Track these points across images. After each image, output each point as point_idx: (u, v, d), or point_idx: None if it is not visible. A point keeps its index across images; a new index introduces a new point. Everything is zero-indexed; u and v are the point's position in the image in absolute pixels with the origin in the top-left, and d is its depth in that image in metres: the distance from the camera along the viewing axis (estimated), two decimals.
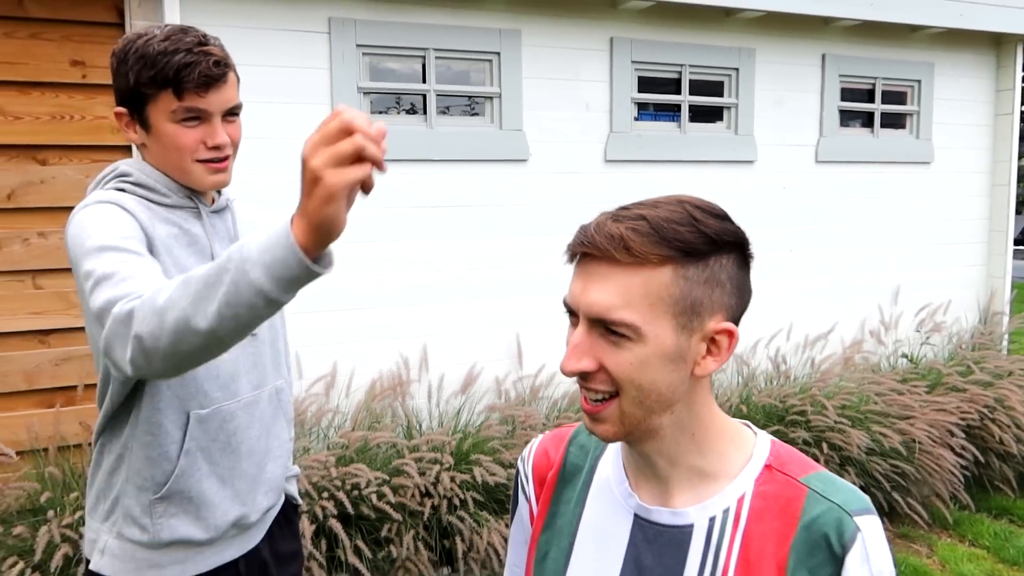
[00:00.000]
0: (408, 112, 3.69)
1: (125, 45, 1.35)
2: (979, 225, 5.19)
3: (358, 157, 0.91)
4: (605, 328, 0.85)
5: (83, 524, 2.62)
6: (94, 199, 1.35)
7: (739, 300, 0.90)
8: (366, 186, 0.94)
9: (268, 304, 1.00)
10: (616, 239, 0.83)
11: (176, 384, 1.36)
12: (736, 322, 0.89)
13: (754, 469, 0.91)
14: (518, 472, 1.09)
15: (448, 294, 3.70)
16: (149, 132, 1.37)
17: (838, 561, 0.85)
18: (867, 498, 0.91)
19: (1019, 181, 8.06)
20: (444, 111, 3.70)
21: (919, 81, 4.83)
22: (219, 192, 1.50)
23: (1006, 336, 5.10)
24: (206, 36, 1.36)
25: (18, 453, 2.92)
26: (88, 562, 1.45)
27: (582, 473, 1.01)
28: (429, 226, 3.66)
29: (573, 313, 0.88)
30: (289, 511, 1.66)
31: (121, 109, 1.39)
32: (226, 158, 1.40)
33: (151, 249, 1.33)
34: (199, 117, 1.36)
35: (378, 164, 0.93)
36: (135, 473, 1.39)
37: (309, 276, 0.98)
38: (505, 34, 3.68)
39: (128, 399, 1.38)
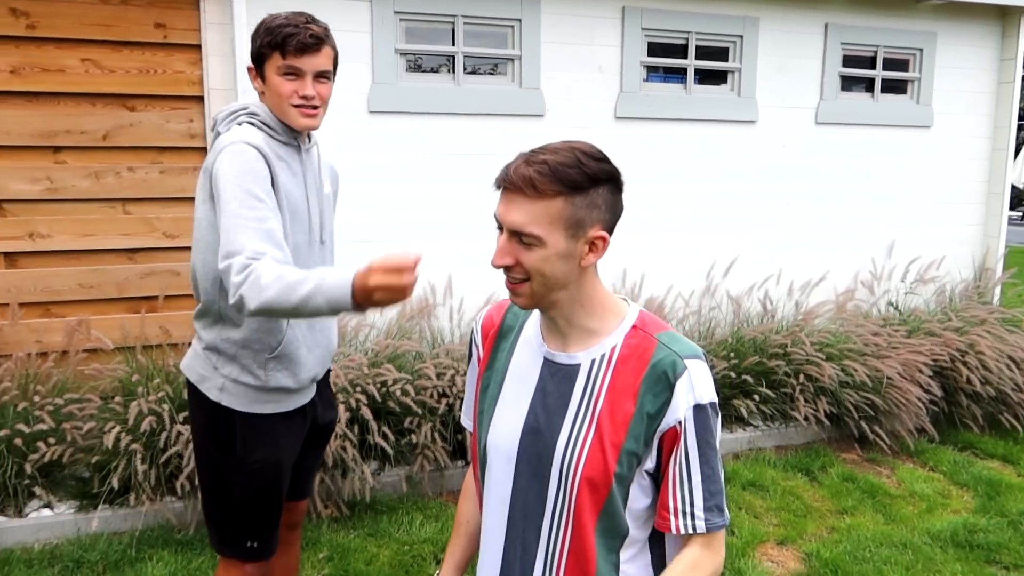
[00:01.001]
0: (438, 71, 4.20)
1: (261, 21, 1.87)
2: (978, 187, 5.50)
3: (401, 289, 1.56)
4: (520, 237, 1.27)
5: (165, 402, 3.26)
6: (240, 138, 1.78)
7: (612, 215, 1.30)
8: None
9: (322, 315, 1.68)
10: (526, 180, 1.20)
11: None
12: (610, 230, 1.30)
13: (624, 328, 1.31)
14: (472, 331, 1.55)
15: (472, 231, 4.23)
16: (265, 82, 1.87)
17: (671, 387, 1.27)
18: (699, 350, 1.33)
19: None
20: (471, 71, 4.20)
21: (921, 50, 5.13)
22: (309, 137, 2.02)
23: (997, 289, 5.42)
24: (314, 19, 1.85)
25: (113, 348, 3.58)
26: (207, 400, 1.95)
27: (513, 331, 1.46)
28: (456, 172, 4.18)
29: (499, 226, 1.31)
30: (325, 377, 2.25)
31: (250, 65, 1.90)
32: (315, 108, 1.87)
33: (272, 181, 1.80)
34: (296, 73, 1.83)
35: (407, 294, 1.60)
36: (254, 340, 1.89)
37: (355, 313, 1.67)
38: (526, 2, 4.14)
39: None
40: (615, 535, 1.32)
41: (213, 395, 1.94)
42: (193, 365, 1.99)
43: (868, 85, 5.13)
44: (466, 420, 1.58)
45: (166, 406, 3.28)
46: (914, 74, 5.18)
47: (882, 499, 3.77)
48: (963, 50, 5.26)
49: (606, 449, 1.27)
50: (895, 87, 5.21)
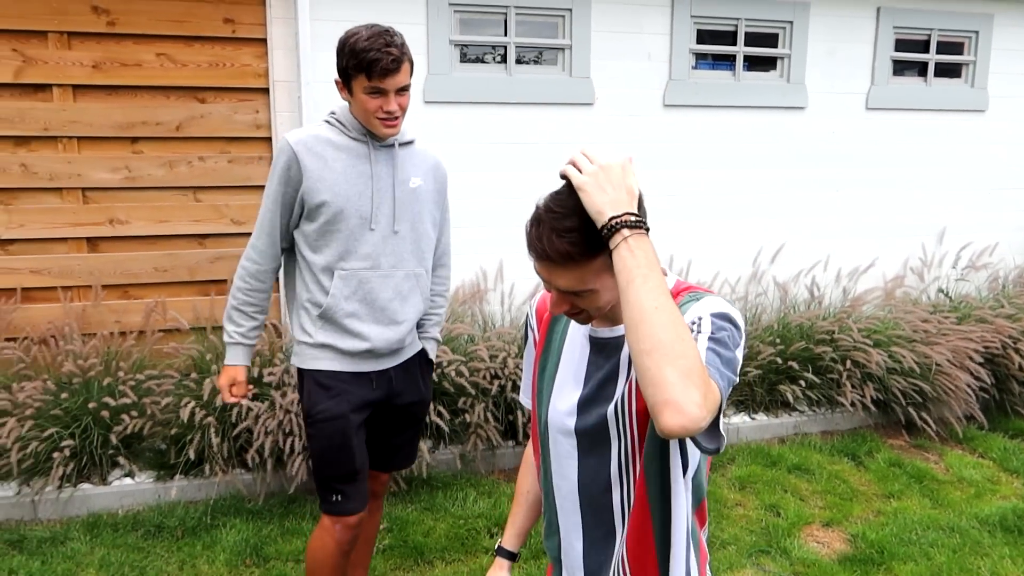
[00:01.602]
0: (492, 61, 4.30)
1: (344, 40, 2.08)
2: None
3: None
4: (573, 293, 1.35)
5: None
6: (290, 135, 2.15)
7: (644, 219, 1.30)
8: None
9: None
10: (564, 255, 1.23)
11: (315, 243, 2.18)
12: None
13: None
14: (527, 316, 1.67)
15: (522, 218, 4.32)
16: (352, 96, 2.12)
17: (686, 312, 1.27)
18: (722, 300, 1.32)
19: None
20: (523, 60, 4.30)
21: (976, 32, 5.07)
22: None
23: None
24: (393, 37, 2.05)
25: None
26: (297, 369, 2.33)
27: (564, 316, 1.56)
28: (508, 160, 4.29)
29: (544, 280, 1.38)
30: (422, 362, 2.44)
31: (338, 79, 2.14)
32: (396, 119, 2.13)
33: (301, 174, 2.12)
34: (380, 92, 2.07)
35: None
36: (306, 300, 2.24)
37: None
38: None
39: (295, 266, 2.27)
40: (683, 462, 1.38)
41: (293, 360, 2.31)
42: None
43: (921, 69, 5.09)
44: (524, 399, 1.69)
45: None
46: (969, 57, 5.12)
47: (929, 484, 3.81)
48: (1021, 31, 5.17)
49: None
50: (949, 71, 5.16)
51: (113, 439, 3.37)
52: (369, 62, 2.02)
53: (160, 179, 3.78)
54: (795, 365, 4.26)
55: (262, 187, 3.78)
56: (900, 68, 5.03)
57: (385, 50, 2.02)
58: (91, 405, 3.37)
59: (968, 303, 4.88)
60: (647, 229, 1.18)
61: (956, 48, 5.12)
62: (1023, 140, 5.33)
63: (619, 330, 1.42)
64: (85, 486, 3.43)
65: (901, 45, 4.95)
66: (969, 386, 4.29)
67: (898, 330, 4.41)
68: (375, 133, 2.16)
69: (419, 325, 2.43)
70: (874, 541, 3.26)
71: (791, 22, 4.64)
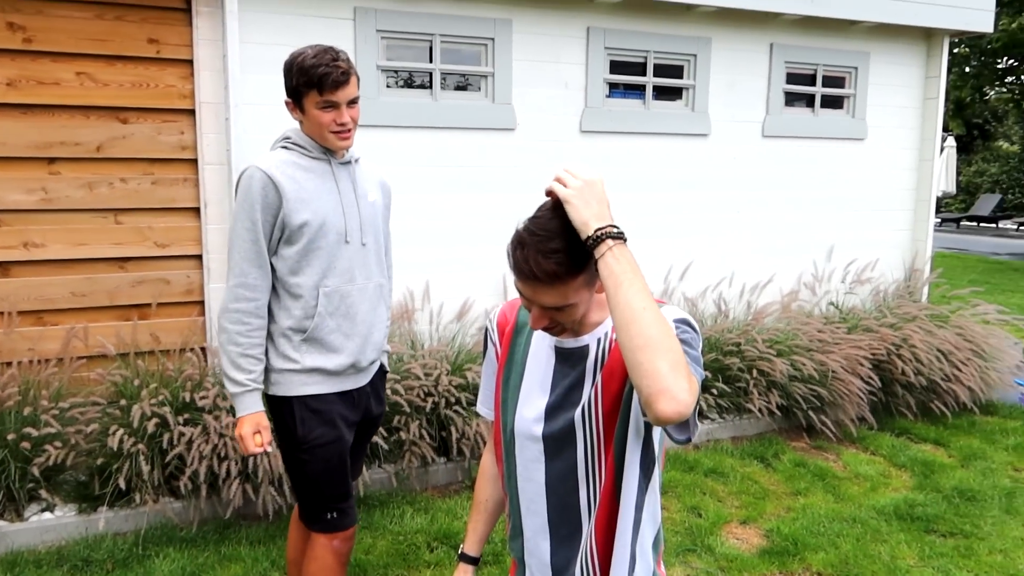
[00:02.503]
0: (417, 87, 4.41)
1: (291, 61, 2.15)
2: (907, 195, 5.99)
3: None
4: (555, 309, 1.48)
5: (166, 405, 3.39)
6: (256, 163, 2.16)
7: None
8: None
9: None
10: (551, 275, 1.34)
11: (297, 266, 2.20)
12: None
13: None
14: (487, 328, 1.76)
15: (447, 239, 4.46)
16: (304, 114, 2.18)
17: None
18: (680, 311, 1.49)
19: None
20: (447, 87, 4.43)
21: (856, 68, 5.58)
22: (346, 152, 2.30)
23: (925, 288, 5.91)
24: (338, 53, 2.14)
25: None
26: (269, 397, 2.28)
27: (527, 326, 1.67)
28: (433, 182, 4.40)
29: (528, 299, 1.49)
30: (380, 375, 2.49)
31: (288, 100, 2.19)
32: (349, 130, 2.19)
33: (281, 197, 2.14)
34: (332, 105, 2.14)
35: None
36: (288, 327, 2.23)
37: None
38: (499, 23, 4.40)
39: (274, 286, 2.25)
40: (648, 464, 1.51)
41: (271, 390, 2.26)
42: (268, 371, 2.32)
43: (809, 101, 5.55)
44: (483, 409, 1.78)
45: (166, 408, 3.41)
46: (850, 90, 5.62)
47: (831, 481, 4.14)
48: (893, 68, 5.74)
49: (611, 402, 1.48)
50: (833, 102, 5.65)
51: (35, 471, 3.23)
52: (319, 77, 2.08)
53: (79, 201, 3.68)
54: (707, 375, 4.54)
55: (187, 209, 3.83)
56: (791, 99, 5.47)
57: (333, 64, 2.09)
58: (10, 436, 3.23)
59: (855, 314, 5.33)
60: (626, 239, 1.32)
61: (839, 82, 5.62)
62: (896, 166, 5.89)
63: (584, 340, 1.54)
64: (0, 523, 3.27)
65: (792, 78, 5.39)
66: (860, 390, 4.69)
67: (797, 340, 4.77)
68: (330, 147, 2.21)
69: None
70: (787, 535, 3.53)
71: (695, 55, 4.99)
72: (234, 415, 2.26)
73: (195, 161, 3.84)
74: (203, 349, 3.85)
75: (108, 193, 3.73)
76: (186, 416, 3.45)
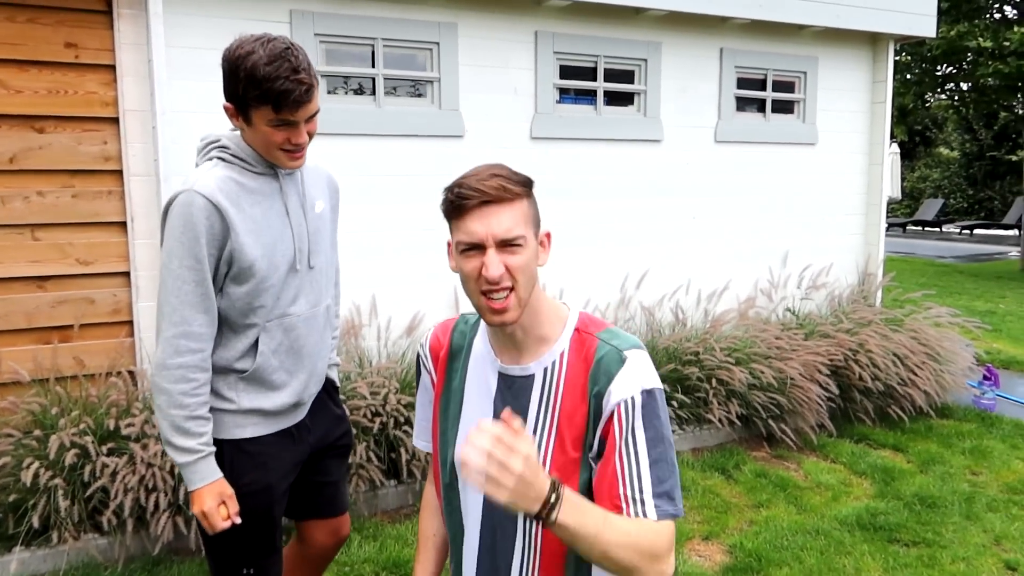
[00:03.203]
0: (359, 93, 4.23)
1: (235, 60, 1.75)
2: (858, 199, 5.99)
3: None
4: (506, 244, 1.33)
5: (87, 434, 3.15)
6: (193, 186, 1.80)
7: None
8: None
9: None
10: (500, 188, 1.29)
11: (244, 306, 1.90)
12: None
13: (569, 331, 1.39)
14: (419, 354, 1.59)
15: (394, 251, 4.27)
16: (249, 125, 1.82)
17: (611, 379, 1.34)
18: (638, 341, 1.41)
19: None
20: (391, 92, 4.25)
21: (805, 72, 5.56)
22: None
23: (879, 292, 5.91)
24: (299, 60, 1.75)
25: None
26: None
27: (463, 350, 1.52)
28: (378, 191, 4.21)
29: (474, 247, 1.29)
30: (330, 389, 2.22)
31: (229, 105, 1.82)
32: (303, 150, 1.88)
33: (229, 230, 1.81)
34: (288, 123, 1.80)
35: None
36: (223, 365, 1.92)
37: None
38: (444, 26, 4.25)
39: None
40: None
41: None
42: None
43: (760, 106, 5.51)
44: (420, 442, 1.62)
45: (88, 438, 3.16)
46: (800, 95, 5.60)
47: (792, 491, 4.05)
48: (841, 73, 5.74)
49: (567, 450, 1.36)
50: (784, 108, 5.62)
51: None
52: (278, 94, 1.73)
53: None
54: (666, 387, 4.43)
55: (112, 223, 3.59)
56: (743, 104, 5.42)
57: (295, 78, 1.73)
58: None
59: (812, 320, 5.28)
60: (560, 494, 1.20)
61: (789, 87, 5.60)
62: (847, 170, 5.89)
63: (530, 368, 1.41)
64: None
65: (742, 83, 5.35)
66: (819, 397, 4.62)
67: (755, 348, 4.69)
68: (278, 165, 1.90)
69: None
70: (751, 550, 3.41)
71: (645, 60, 4.90)
72: (187, 488, 1.90)
73: (120, 172, 3.60)
74: (131, 373, 3.59)
75: (24, 208, 3.46)
76: (111, 445, 3.20)
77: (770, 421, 4.58)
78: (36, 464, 3.03)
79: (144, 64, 3.54)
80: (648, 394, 1.33)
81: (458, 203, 1.30)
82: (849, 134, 5.86)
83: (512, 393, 1.41)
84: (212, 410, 1.93)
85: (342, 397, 3.50)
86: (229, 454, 1.96)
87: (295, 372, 2.01)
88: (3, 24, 3.33)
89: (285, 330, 1.97)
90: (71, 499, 3.10)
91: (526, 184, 1.34)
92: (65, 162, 3.50)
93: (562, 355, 1.39)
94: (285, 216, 1.94)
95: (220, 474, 1.89)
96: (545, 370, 1.39)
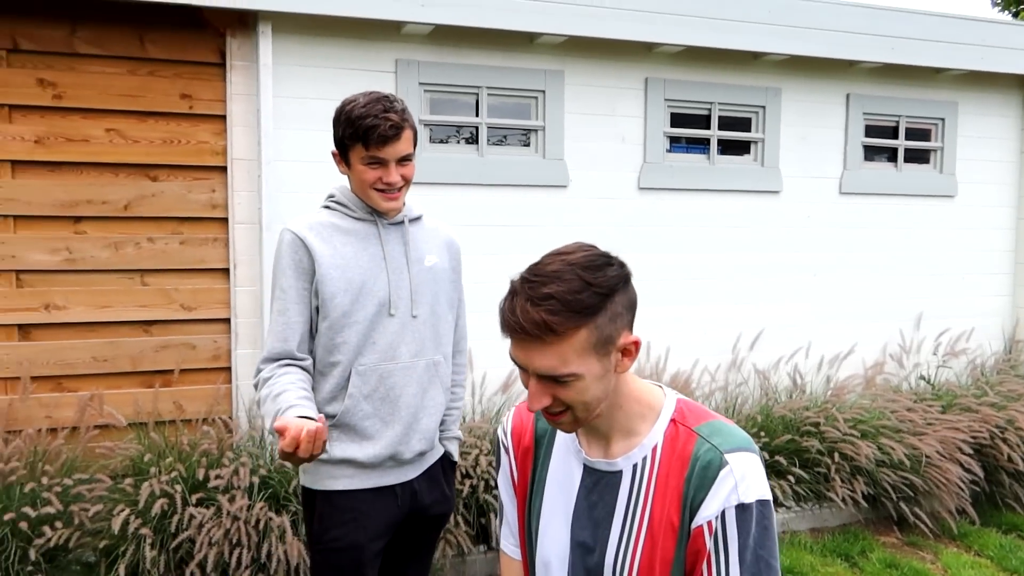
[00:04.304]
0: (465, 142, 4.17)
1: (341, 108, 1.92)
2: (1004, 257, 5.41)
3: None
4: (553, 379, 1.16)
5: (178, 483, 3.13)
6: (290, 225, 1.96)
7: (632, 313, 1.20)
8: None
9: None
10: (541, 325, 1.09)
11: (328, 342, 1.94)
12: (632, 327, 1.20)
13: (663, 424, 1.23)
14: (499, 438, 1.43)
15: (493, 304, 4.11)
16: (350, 167, 1.95)
17: (710, 486, 1.15)
18: (747, 439, 1.20)
19: None
20: (495, 142, 4.17)
21: (943, 119, 5.11)
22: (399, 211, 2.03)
23: None
24: (392, 103, 1.88)
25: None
26: (299, 484, 2.09)
27: (547, 436, 1.36)
28: (478, 242, 4.10)
29: (521, 367, 1.16)
30: (446, 465, 2.14)
31: (335, 150, 1.97)
32: (398, 190, 1.94)
33: (313, 261, 1.91)
34: (379, 162, 1.89)
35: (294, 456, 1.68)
36: (318, 407, 1.92)
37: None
38: (550, 74, 4.14)
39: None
40: None
41: (301, 479, 2.03)
42: None
43: (891, 155, 5.10)
44: (508, 545, 1.43)
45: (179, 487, 3.13)
46: (937, 143, 5.15)
47: None
48: (985, 119, 5.25)
49: (656, 563, 1.19)
50: (918, 157, 5.18)
51: (32, 554, 2.97)
52: (366, 129, 1.85)
53: (104, 261, 3.51)
54: (781, 459, 4.04)
55: (216, 270, 3.61)
56: (871, 154, 5.03)
57: (383, 116, 1.84)
58: (8, 516, 2.99)
59: (950, 391, 4.75)
60: None
61: (924, 135, 5.16)
62: (991, 225, 5.35)
63: (618, 464, 1.23)
64: None
65: (871, 131, 4.96)
66: (960, 479, 4.11)
67: (884, 420, 4.24)
68: (375, 207, 1.96)
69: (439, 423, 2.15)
70: None
71: (763, 107, 4.62)
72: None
73: (225, 220, 3.64)
74: (224, 422, 3.58)
75: (135, 253, 3.55)
76: (199, 495, 3.16)
77: (901, 503, 4.10)
78: (126, 511, 3.02)
79: (253, 114, 3.59)
80: (752, 508, 1.14)
81: (503, 326, 1.15)
82: (994, 185, 5.33)
83: (598, 490, 1.25)
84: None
85: None
86: (320, 506, 1.95)
87: (390, 422, 1.95)
88: (126, 77, 3.46)
89: (380, 377, 1.95)
90: (158, 549, 3.07)
91: (588, 310, 1.11)
92: (175, 209, 3.58)
93: (654, 450, 1.22)
94: (382, 260, 1.96)
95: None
96: (635, 466, 1.23)
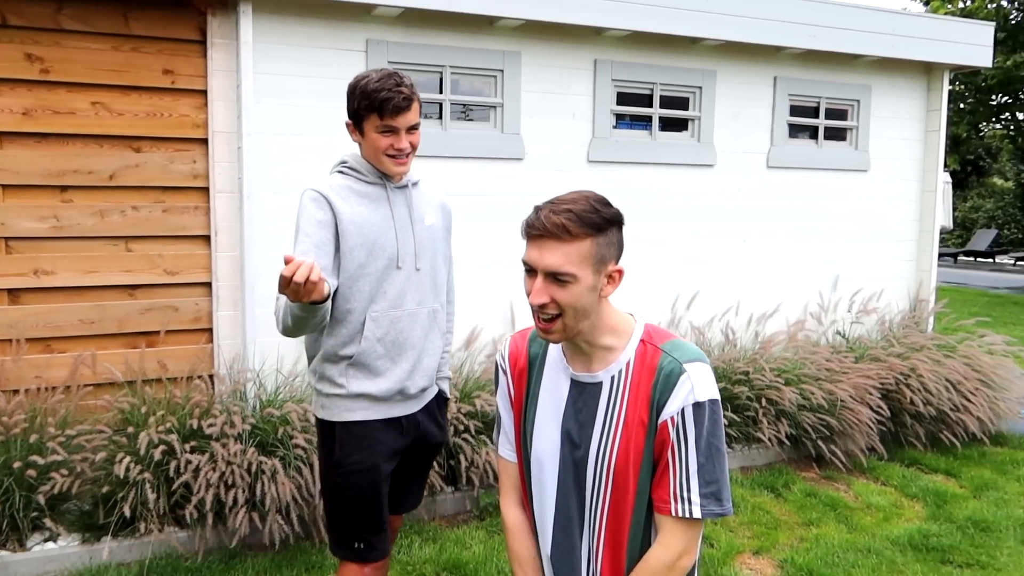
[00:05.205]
0: (427, 118, 4.45)
1: (355, 83, 2.16)
2: (910, 225, 6.02)
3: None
4: (555, 277, 1.48)
5: (173, 432, 3.37)
6: (312, 185, 2.18)
7: (620, 250, 1.55)
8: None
9: (296, 315, 2.00)
10: (560, 227, 1.41)
11: (346, 290, 2.19)
12: (618, 261, 1.55)
13: (635, 344, 1.53)
14: (497, 362, 1.74)
15: (455, 268, 4.45)
16: (363, 136, 2.20)
17: (672, 389, 1.48)
18: (700, 353, 1.54)
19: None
20: (457, 117, 4.47)
21: (858, 100, 5.65)
22: (403, 176, 2.29)
23: (931, 319, 5.91)
24: (402, 78, 2.14)
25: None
26: (317, 419, 2.31)
27: (539, 358, 1.67)
28: None
29: (531, 269, 1.47)
30: (440, 401, 2.47)
31: (349, 121, 2.21)
32: (406, 156, 2.20)
33: (335, 217, 2.15)
34: (392, 130, 2.15)
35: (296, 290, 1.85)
36: (332, 353, 2.22)
37: (306, 307, 1.96)
38: (508, 55, 4.46)
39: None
40: (646, 526, 1.54)
41: (319, 413, 2.28)
42: (313, 398, 2.33)
43: (813, 132, 5.61)
44: (504, 451, 1.74)
45: (174, 436, 3.38)
46: (852, 123, 5.68)
47: (843, 511, 4.09)
48: (895, 101, 5.80)
49: (630, 453, 1.51)
50: (836, 135, 5.70)
51: (41, 499, 3.19)
52: (381, 101, 2.09)
53: (90, 228, 3.69)
54: None
55: (198, 236, 3.83)
56: (795, 131, 5.52)
57: (396, 89, 2.11)
58: (15, 464, 3.19)
59: (863, 344, 5.32)
60: None
61: (841, 114, 5.68)
62: (900, 197, 5.93)
63: (599, 376, 1.55)
64: (1, 553, 3.22)
65: (795, 111, 5.45)
66: (870, 420, 4.66)
67: (805, 369, 4.75)
68: (386, 172, 2.22)
69: None
70: (802, 565, 3.47)
71: (700, 87, 5.05)
72: (294, 304, 1.99)
73: (206, 189, 3.86)
74: (211, 377, 3.82)
75: (120, 221, 3.74)
76: (193, 444, 3.42)
77: (820, 442, 4.63)
78: (127, 459, 3.26)
79: (233, 89, 3.81)
80: (703, 405, 1.46)
81: (525, 228, 1.47)
82: (902, 161, 5.91)
83: (582, 398, 1.56)
84: (328, 395, 2.23)
85: None
86: (340, 435, 2.22)
87: (398, 360, 2.24)
88: (110, 53, 3.63)
89: (391, 322, 2.23)
90: (157, 492, 3.31)
91: (596, 226, 1.44)
92: (158, 179, 3.78)
93: (628, 364, 1.52)
94: (391, 219, 2.23)
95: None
96: (612, 378, 1.53)
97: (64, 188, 3.63)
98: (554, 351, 1.63)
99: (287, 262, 1.83)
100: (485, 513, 3.89)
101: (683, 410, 1.46)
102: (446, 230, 2.45)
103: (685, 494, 1.46)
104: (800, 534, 3.84)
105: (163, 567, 3.28)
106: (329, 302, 2.04)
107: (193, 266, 3.89)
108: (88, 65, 3.59)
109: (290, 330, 2.08)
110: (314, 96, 4.01)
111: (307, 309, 1.96)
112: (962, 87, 12.96)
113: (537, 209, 1.46)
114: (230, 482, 3.33)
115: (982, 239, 20.66)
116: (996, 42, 9.20)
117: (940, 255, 19.25)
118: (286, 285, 1.83)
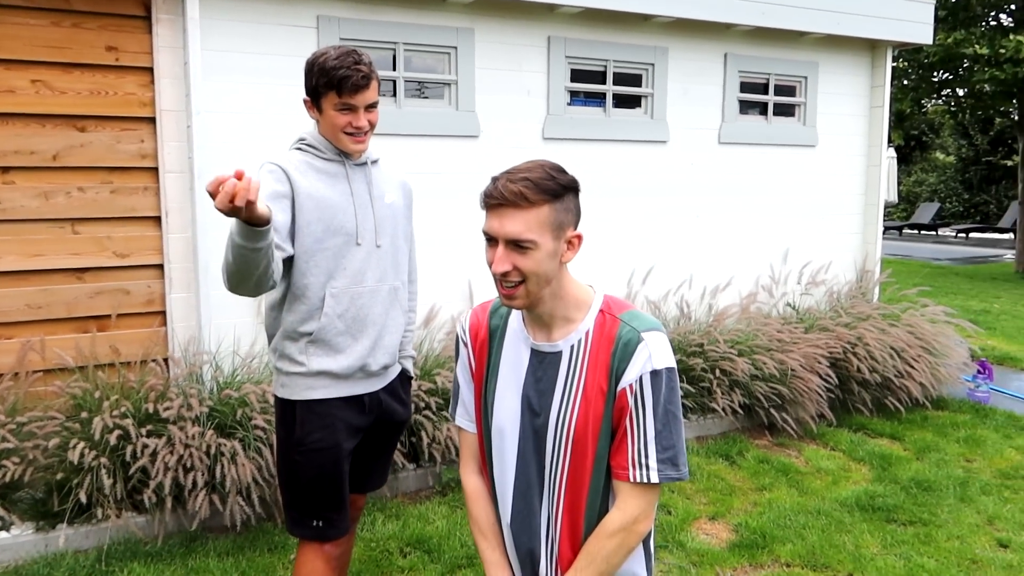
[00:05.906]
0: (381, 95, 4.41)
1: (313, 60, 2.14)
2: (856, 199, 6.18)
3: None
4: (516, 244, 1.51)
5: (128, 416, 3.32)
6: (271, 159, 2.16)
7: (578, 216, 1.58)
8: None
9: (238, 246, 1.80)
10: (518, 194, 1.43)
11: (304, 264, 2.16)
12: (576, 227, 1.57)
13: (594, 313, 1.56)
14: (458, 335, 1.76)
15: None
16: (321, 114, 2.17)
17: (631, 357, 1.52)
18: (657, 323, 1.58)
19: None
20: (411, 95, 4.44)
21: (806, 77, 5.76)
22: (362, 154, 2.26)
23: (876, 289, 6.10)
24: (361, 56, 2.12)
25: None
26: (276, 398, 2.28)
27: (499, 329, 1.69)
28: None
29: (492, 239, 1.49)
30: (404, 379, 2.46)
31: (307, 98, 2.19)
32: (365, 134, 2.18)
33: (293, 190, 2.12)
34: (350, 108, 2.13)
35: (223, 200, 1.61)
36: (292, 330, 2.20)
37: (246, 232, 1.77)
38: (462, 32, 4.44)
39: (280, 293, 2.22)
40: (603, 492, 1.57)
41: (279, 392, 2.26)
42: (273, 378, 2.31)
43: (762, 109, 5.71)
44: (463, 421, 1.76)
45: (129, 420, 3.33)
46: (800, 99, 5.80)
47: (794, 476, 4.23)
48: (841, 78, 5.94)
49: (589, 420, 1.54)
50: (785, 111, 5.82)
51: None
52: (340, 79, 2.07)
53: (34, 211, 3.59)
54: None
55: (147, 218, 3.75)
56: (745, 108, 5.62)
57: (355, 67, 2.09)
58: None
59: (812, 315, 5.47)
60: None
61: (790, 91, 5.79)
62: (846, 172, 6.09)
63: (558, 345, 1.58)
64: None
65: (745, 87, 5.54)
66: (819, 388, 4.81)
67: (757, 340, 4.88)
68: (344, 149, 2.20)
69: None
70: (755, 528, 3.59)
71: (653, 64, 5.09)
72: (239, 227, 1.79)
73: (156, 169, 3.78)
74: (165, 360, 3.77)
75: (65, 202, 3.64)
76: (149, 428, 3.37)
77: (772, 410, 4.77)
78: (81, 445, 3.21)
79: (180, 66, 3.72)
80: (660, 373, 1.50)
81: (484, 199, 1.49)
82: (848, 137, 6.05)
83: (543, 367, 1.59)
84: (288, 374, 2.21)
85: None
86: (301, 413, 2.21)
87: (359, 337, 2.23)
88: (50, 29, 3.52)
89: (352, 298, 2.22)
90: (113, 478, 3.27)
91: (553, 192, 1.46)
92: (105, 159, 3.68)
93: (587, 334, 1.55)
94: (349, 196, 2.21)
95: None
96: (572, 347, 1.56)
97: (5, 169, 3.52)
98: (515, 322, 1.65)
99: (239, 176, 1.62)
100: (447, 489, 3.93)
101: (641, 378, 1.49)
102: (407, 208, 2.44)
103: (643, 460, 1.50)
104: (754, 499, 3.96)
105: (122, 552, 3.25)
106: (273, 234, 1.88)
107: (144, 248, 3.82)
108: (27, 41, 3.47)
109: (232, 272, 1.89)
110: (265, 73, 3.95)
111: (248, 235, 1.76)
112: (905, 64, 13.27)
113: (494, 179, 1.48)
114: (189, 465, 3.30)
115: (925, 212, 21.31)
116: (937, 20, 9.43)
117: (885, 228, 19.84)
118: (221, 196, 1.61)
